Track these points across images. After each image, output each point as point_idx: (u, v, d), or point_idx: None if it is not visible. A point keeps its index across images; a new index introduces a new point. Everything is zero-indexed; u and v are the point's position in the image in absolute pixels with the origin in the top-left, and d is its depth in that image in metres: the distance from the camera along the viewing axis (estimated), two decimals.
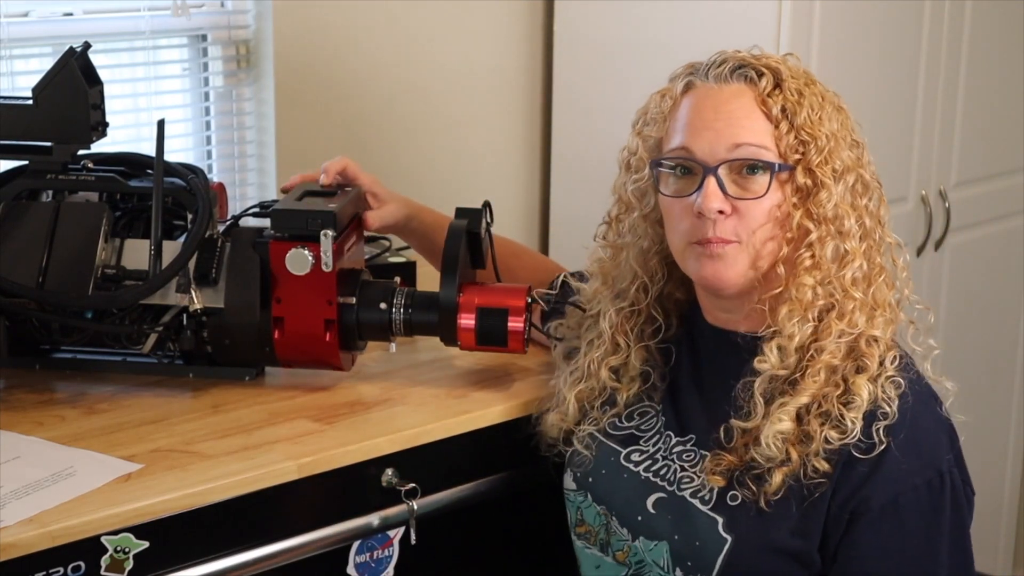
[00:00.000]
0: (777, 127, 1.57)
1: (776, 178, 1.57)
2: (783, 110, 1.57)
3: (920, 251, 2.73)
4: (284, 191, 1.89)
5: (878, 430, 1.51)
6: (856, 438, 1.51)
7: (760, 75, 1.58)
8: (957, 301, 2.87)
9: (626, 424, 1.71)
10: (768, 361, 1.56)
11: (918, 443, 1.52)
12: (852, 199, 1.59)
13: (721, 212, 1.56)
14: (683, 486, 1.62)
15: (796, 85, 1.58)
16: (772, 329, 1.57)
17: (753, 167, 1.57)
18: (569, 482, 1.74)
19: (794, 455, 1.53)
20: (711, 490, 1.59)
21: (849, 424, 1.51)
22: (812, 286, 1.56)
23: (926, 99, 2.65)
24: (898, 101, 2.61)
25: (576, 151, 2.72)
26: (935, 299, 2.80)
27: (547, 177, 2.80)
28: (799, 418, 1.54)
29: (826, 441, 1.52)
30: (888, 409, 1.52)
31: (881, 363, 1.55)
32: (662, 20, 2.52)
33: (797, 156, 1.57)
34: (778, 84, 1.58)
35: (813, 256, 1.57)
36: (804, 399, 1.54)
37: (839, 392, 1.54)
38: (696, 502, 1.60)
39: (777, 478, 1.53)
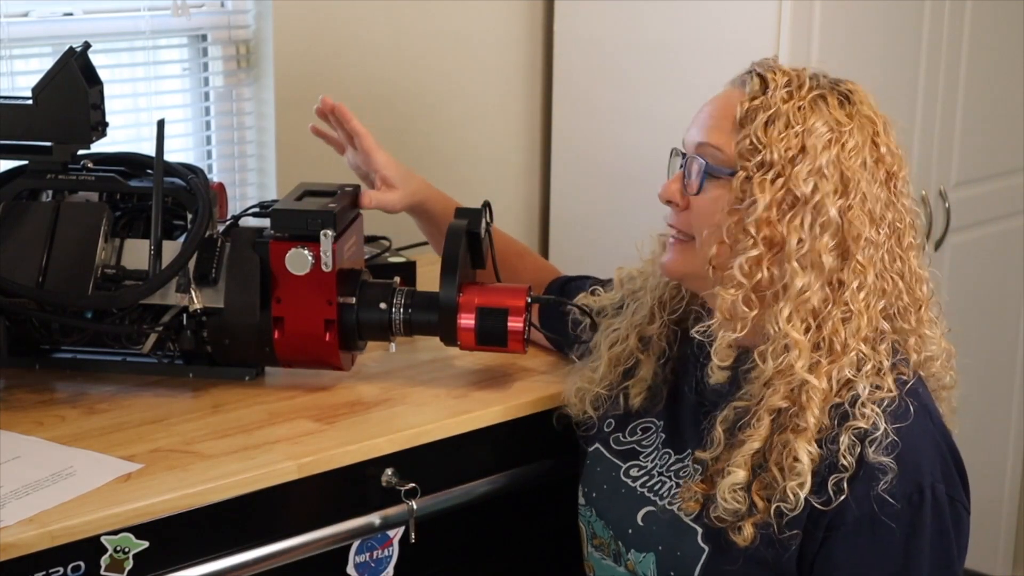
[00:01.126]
0: (740, 130, 1.56)
1: (712, 179, 1.57)
2: (747, 113, 1.55)
3: (920, 251, 2.73)
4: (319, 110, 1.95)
5: (855, 451, 1.48)
6: (806, 493, 1.48)
7: (753, 79, 1.58)
8: (957, 301, 2.86)
9: (628, 440, 1.71)
10: (715, 375, 1.57)
11: (900, 457, 1.49)
12: (811, 228, 1.52)
13: (672, 202, 1.60)
14: (674, 500, 1.62)
15: (781, 95, 1.55)
16: (710, 334, 1.57)
17: (702, 166, 1.58)
18: (580, 498, 1.75)
19: (760, 504, 1.50)
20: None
21: (791, 497, 1.47)
22: (730, 298, 1.54)
23: (926, 99, 2.65)
24: (898, 101, 2.61)
25: (576, 151, 2.72)
26: (940, 298, 2.80)
27: (547, 177, 2.80)
28: (756, 467, 1.51)
29: (790, 493, 1.48)
30: (846, 461, 1.48)
31: (842, 401, 1.50)
32: (662, 20, 2.52)
33: (744, 162, 1.55)
34: (764, 90, 1.57)
35: (741, 268, 1.53)
36: (756, 444, 1.51)
37: (786, 439, 1.50)
38: (681, 514, 1.60)
39: (748, 530, 1.50)
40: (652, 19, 2.54)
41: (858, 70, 2.48)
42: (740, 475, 1.51)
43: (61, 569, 1.47)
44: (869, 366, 1.52)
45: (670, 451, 1.67)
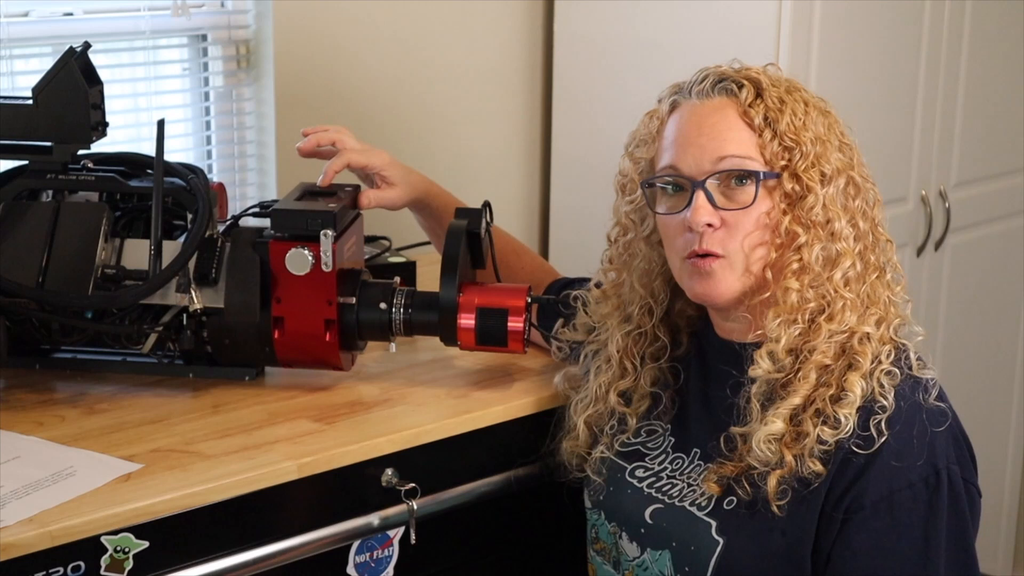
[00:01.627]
0: (761, 136, 1.57)
1: (763, 186, 1.57)
2: (765, 119, 1.57)
3: (920, 251, 2.73)
4: (304, 138, 1.94)
5: (876, 423, 1.51)
6: (851, 433, 1.51)
7: (740, 86, 1.59)
8: (957, 301, 2.87)
9: (633, 441, 1.71)
10: (760, 367, 1.56)
11: (913, 440, 1.51)
12: (844, 201, 1.59)
13: (710, 225, 1.57)
14: (684, 499, 1.63)
15: (777, 93, 1.59)
16: (759, 332, 1.59)
17: (740, 178, 1.57)
18: (587, 501, 1.75)
19: (788, 457, 1.52)
20: (708, 497, 1.59)
21: (843, 419, 1.51)
22: (798, 289, 1.56)
23: (926, 99, 2.65)
24: (898, 101, 2.61)
25: (576, 151, 2.72)
26: (935, 299, 2.80)
27: (547, 177, 2.80)
28: (793, 419, 1.53)
29: (820, 440, 1.51)
30: (885, 402, 1.52)
31: (876, 359, 1.55)
32: (662, 20, 2.52)
33: (783, 163, 1.57)
34: (759, 94, 1.58)
35: (801, 260, 1.57)
36: (796, 400, 1.54)
37: (832, 391, 1.53)
38: (693, 509, 1.60)
39: (772, 482, 1.52)
40: (652, 19, 2.54)
41: (858, 70, 2.50)
42: (778, 425, 1.53)
43: (61, 569, 1.47)
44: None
45: (682, 456, 1.67)
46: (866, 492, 1.51)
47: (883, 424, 1.51)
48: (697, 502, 1.61)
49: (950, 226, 2.77)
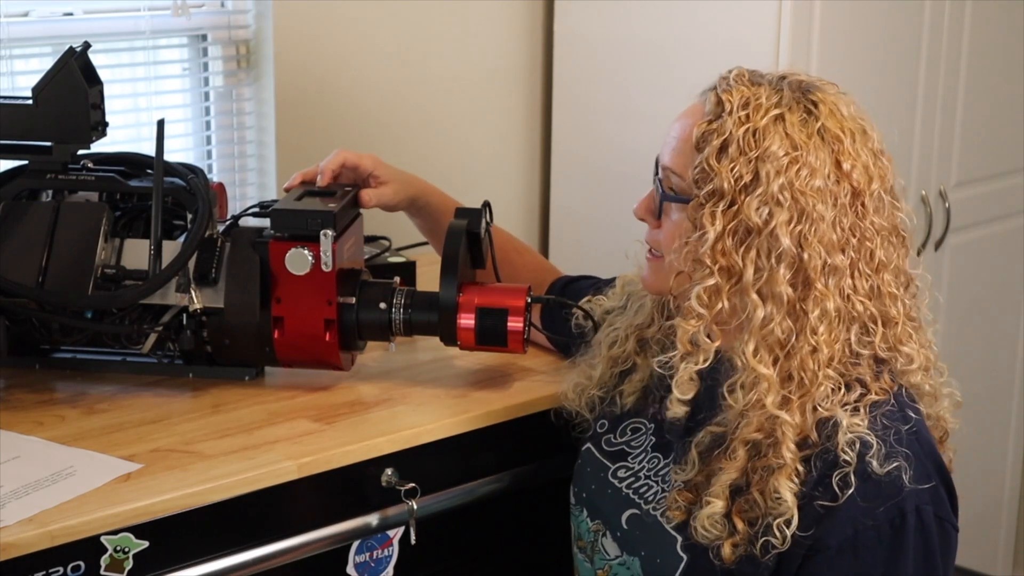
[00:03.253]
0: (696, 156, 1.52)
1: (671, 205, 1.56)
2: (702, 137, 1.51)
3: (920, 251, 2.73)
4: (286, 191, 1.89)
5: (841, 477, 1.44)
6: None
7: (716, 100, 1.52)
8: (957, 301, 2.87)
9: (618, 440, 1.71)
10: (672, 410, 1.53)
11: (880, 482, 1.45)
12: (757, 254, 1.47)
13: (643, 219, 1.60)
14: (657, 506, 1.61)
15: (737, 118, 1.49)
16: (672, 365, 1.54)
17: (659, 192, 1.58)
18: (571, 496, 1.75)
19: (740, 525, 1.48)
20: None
21: (778, 534, 1.45)
22: (690, 329, 1.49)
23: (926, 99, 2.65)
24: (898, 101, 2.61)
25: (576, 151, 2.72)
26: (935, 299, 2.79)
27: (547, 177, 2.80)
28: (735, 490, 1.49)
29: (769, 532, 1.45)
30: (849, 455, 1.44)
31: (842, 402, 1.47)
32: (662, 20, 2.52)
33: (698, 190, 1.51)
34: (719, 115, 1.50)
35: (698, 297, 1.49)
36: (733, 475, 1.49)
37: (764, 473, 1.47)
38: (663, 520, 1.59)
39: (726, 550, 1.48)
40: (652, 19, 2.54)
41: (858, 70, 2.50)
42: (718, 505, 1.48)
43: (61, 569, 1.47)
44: (845, 391, 1.48)
45: (659, 456, 1.66)
46: (831, 532, 1.46)
47: (850, 476, 1.44)
48: (667, 514, 1.58)
49: (950, 226, 2.77)
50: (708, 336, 1.50)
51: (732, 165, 1.48)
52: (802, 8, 2.34)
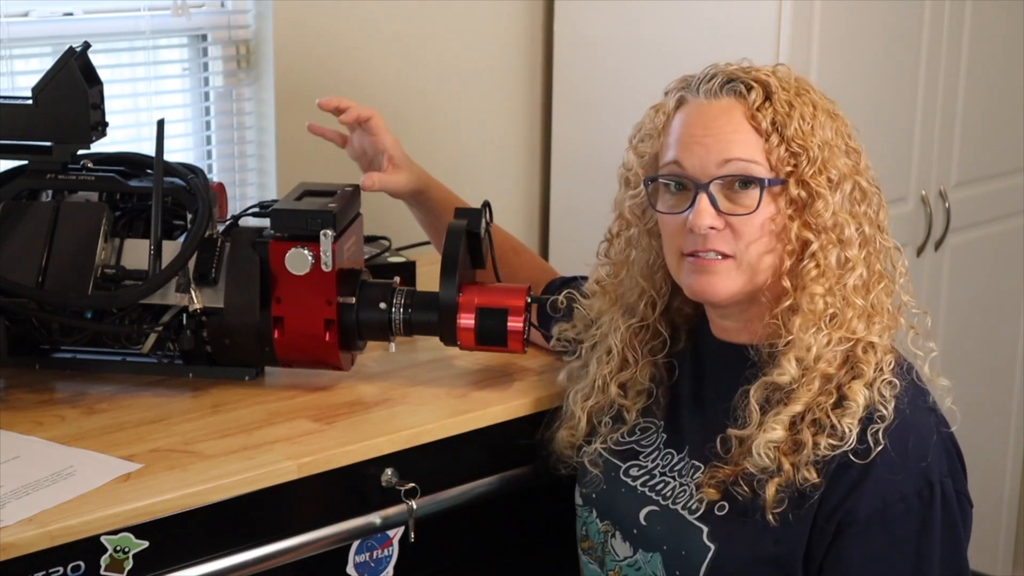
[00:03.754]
0: (768, 140, 1.56)
1: (768, 192, 1.56)
2: (772, 123, 1.56)
3: (920, 251, 2.73)
4: (320, 107, 1.95)
5: (874, 433, 1.50)
6: (852, 444, 1.50)
7: (749, 88, 1.58)
8: (957, 301, 2.87)
9: (627, 439, 1.71)
10: (787, 374, 1.54)
11: (908, 453, 1.50)
12: (851, 206, 1.58)
13: (713, 228, 1.56)
14: (676, 500, 1.62)
15: (786, 96, 1.57)
16: (787, 340, 1.56)
17: (744, 182, 1.56)
18: (577, 497, 1.75)
19: (786, 465, 1.51)
20: (700, 501, 1.59)
21: (845, 430, 1.50)
22: (822, 295, 1.55)
23: (926, 99, 2.65)
24: (898, 101, 2.61)
25: (576, 150, 2.72)
26: (935, 299, 2.80)
27: (547, 177, 2.80)
28: (792, 426, 1.53)
29: (818, 449, 1.50)
30: (884, 411, 1.51)
31: (878, 368, 1.54)
32: (662, 20, 2.52)
33: (789, 168, 1.56)
34: (768, 97, 1.57)
35: (818, 266, 1.56)
36: (798, 407, 1.53)
37: (833, 399, 1.53)
38: (685, 513, 1.60)
39: (771, 490, 1.51)
40: (652, 19, 2.54)
41: (858, 70, 2.49)
42: (779, 433, 1.52)
43: (61, 569, 1.47)
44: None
45: (672, 451, 1.67)
46: (860, 505, 1.50)
47: (880, 434, 1.50)
48: (689, 505, 1.60)
49: (950, 226, 2.77)
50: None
51: (811, 132, 1.57)
52: (802, 8, 2.34)
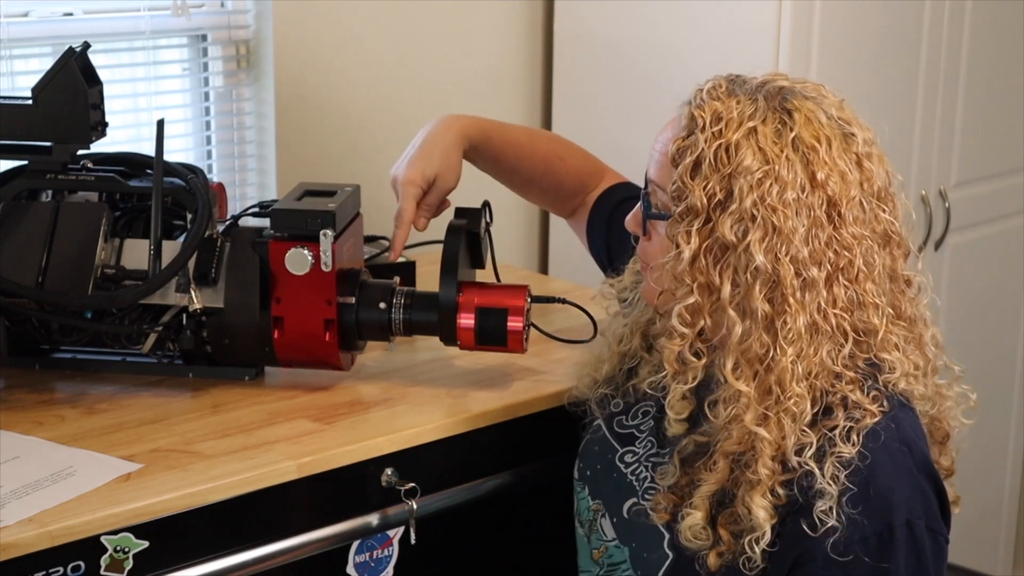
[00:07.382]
0: (673, 172, 1.51)
1: (653, 222, 1.56)
2: (676, 154, 1.50)
3: (920, 251, 2.73)
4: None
5: (833, 476, 1.43)
6: (765, 543, 1.44)
7: (690, 115, 1.50)
8: (957, 301, 2.87)
9: (629, 423, 1.71)
10: (671, 429, 1.54)
11: (870, 496, 1.43)
12: (733, 271, 1.47)
13: (634, 233, 1.60)
14: (647, 496, 1.61)
15: (709, 134, 1.47)
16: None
17: (641, 208, 1.58)
18: (575, 471, 1.74)
19: (726, 536, 1.47)
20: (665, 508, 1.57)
21: (749, 551, 1.44)
22: (675, 349, 1.50)
23: (926, 99, 2.65)
24: (898, 101, 2.61)
25: None
26: (935, 299, 2.80)
27: None
28: (719, 501, 1.48)
29: (744, 549, 1.45)
30: (846, 454, 1.43)
31: (826, 409, 1.46)
32: (662, 20, 2.52)
33: (674, 207, 1.50)
34: (692, 131, 1.49)
35: (680, 316, 1.49)
36: (713, 486, 1.48)
37: (745, 487, 1.45)
38: (653, 514, 1.58)
39: (713, 559, 1.48)
40: (652, 19, 2.54)
41: (858, 70, 2.50)
42: (698, 516, 1.48)
43: (61, 569, 1.47)
44: (832, 413, 1.46)
45: (653, 439, 1.66)
46: (818, 545, 1.43)
47: (832, 509, 1.42)
48: (656, 516, 1.58)
49: (950, 226, 2.77)
50: (695, 354, 1.50)
51: (705, 183, 1.47)
52: (802, 8, 2.34)
